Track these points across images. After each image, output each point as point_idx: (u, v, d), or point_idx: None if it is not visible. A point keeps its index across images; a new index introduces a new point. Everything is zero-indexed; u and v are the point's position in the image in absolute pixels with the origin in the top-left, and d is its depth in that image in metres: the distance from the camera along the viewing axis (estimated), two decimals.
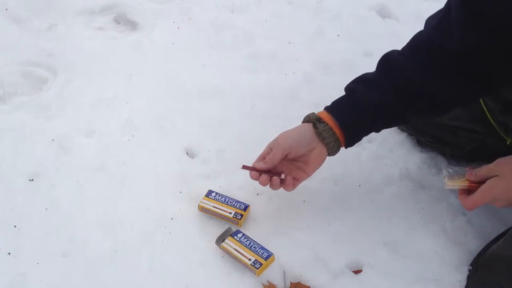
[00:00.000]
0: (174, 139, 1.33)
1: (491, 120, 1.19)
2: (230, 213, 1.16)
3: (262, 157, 1.11)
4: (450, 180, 1.04)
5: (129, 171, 1.25)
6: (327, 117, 1.09)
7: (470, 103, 1.19)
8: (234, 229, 1.14)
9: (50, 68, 1.45)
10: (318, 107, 1.13)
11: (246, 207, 1.17)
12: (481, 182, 1.00)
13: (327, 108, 1.12)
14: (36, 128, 1.31)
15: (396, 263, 1.13)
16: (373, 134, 1.38)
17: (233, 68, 1.52)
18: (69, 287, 1.05)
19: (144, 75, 1.47)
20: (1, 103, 1.37)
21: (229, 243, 1.10)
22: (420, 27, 1.08)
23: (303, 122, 1.12)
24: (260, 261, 1.07)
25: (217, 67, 1.52)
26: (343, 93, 1.12)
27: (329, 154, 1.12)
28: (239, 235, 1.12)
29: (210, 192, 1.19)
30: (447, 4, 1.01)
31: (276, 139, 1.10)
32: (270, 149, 1.10)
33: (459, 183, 1.03)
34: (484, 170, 1.01)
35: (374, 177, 1.30)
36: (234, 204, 1.17)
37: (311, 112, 1.12)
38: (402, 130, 1.38)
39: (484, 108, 1.19)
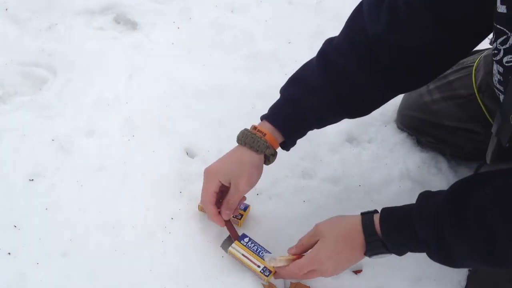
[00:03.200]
0: (174, 139, 1.33)
1: (490, 120, 1.19)
2: None
3: (213, 193, 1.06)
4: (272, 261, 1.03)
5: (129, 171, 1.25)
6: (275, 141, 1.06)
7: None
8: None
9: (50, 68, 1.45)
10: None
11: (246, 207, 1.17)
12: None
13: (274, 124, 1.06)
14: (36, 128, 1.31)
15: (396, 263, 1.12)
16: (373, 135, 1.39)
17: (233, 68, 1.52)
18: (69, 287, 1.05)
19: (144, 75, 1.47)
20: (1, 103, 1.37)
21: (236, 248, 1.08)
22: None
23: (252, 148, 1.04)
24: (270, 268, 1.05)
25: (217, 67, 1.52)
26: None
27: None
28: (246, 239, 1.10)
29: None
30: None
31: (237, 184, 1.04)
32: (219, 182, 1.05)
33: (285, 258, 1.02)
34: (304, 239, 1.02)
35: (374, 177, 1.30)
36: None
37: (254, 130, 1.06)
38: (402, 130, 1.39)
39: (484, 109, 1.19)
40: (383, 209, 0.96)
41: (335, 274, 1.01)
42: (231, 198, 1.06)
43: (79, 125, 1.32)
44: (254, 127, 1.07)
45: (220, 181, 1.05)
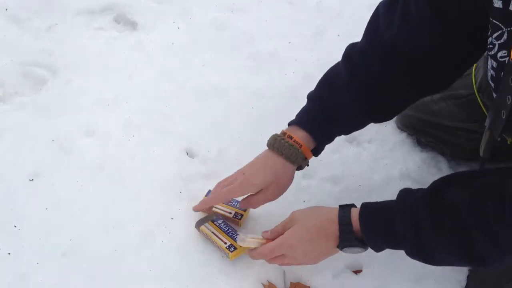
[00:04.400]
0: (174, 139, 1.33)
1: None
2: (230, 213, 1.16)
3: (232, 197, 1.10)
4: (242, 241, 1.03)
5: (129, 171, 1.25)
6: (309, 152, 1.06)
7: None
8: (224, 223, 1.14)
9: (50, 68, 1.45)
10: None
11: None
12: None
13: (306, 129, 1.05)
14: (36, 128, 1.31)
15: (396, 263, 1.12)
16: (373, 135, 1.39)
17: (233, 68, 1.52)
18: (69, 287, 1.05)
19: (144, 75, 1.47)
20: (1, 103, 1.37)
21: (208, 226, 1.12)
22: None
23: (288, 159, 1.04)
24: (235, 245, 1.07)
25: (217, 67, 1.52)
26: None
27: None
28: (219, 221, 1.13)
29: (210, 192, 1.19)
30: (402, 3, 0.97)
31: (267, 193, 1.06)
32: (249, 182, 1.05)
33: (256, 239, 1.02)
34: (279, 226, 1.02)
35: (374, 177, 1.30)
36: (234, 204, 1.17)
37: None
38: (402, 130, 1.38)
39: (484, 108, 1.19)
40: (363, 204, 0.96)
41: (305, 262, 1.00)
42: (256, 200, 1.07)
43: (79, 125, 1.32)
44: (290, 136, 1.04)
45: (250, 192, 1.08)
